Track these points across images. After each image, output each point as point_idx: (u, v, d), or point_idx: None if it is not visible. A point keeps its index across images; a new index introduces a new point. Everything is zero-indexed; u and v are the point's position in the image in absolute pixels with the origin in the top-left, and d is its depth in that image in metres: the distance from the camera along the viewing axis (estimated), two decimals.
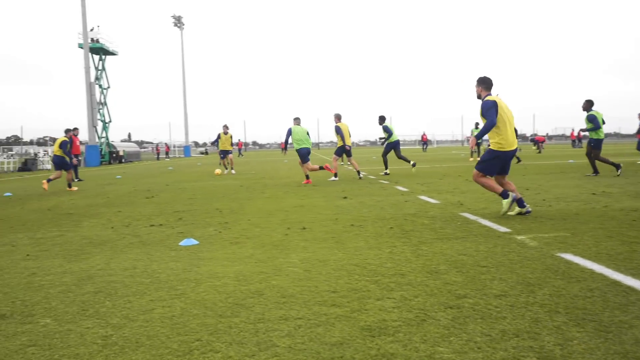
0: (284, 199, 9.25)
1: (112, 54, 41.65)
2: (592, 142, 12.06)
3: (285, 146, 46.62)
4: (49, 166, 31.71)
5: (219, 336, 2.73)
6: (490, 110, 6.21)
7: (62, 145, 13.48)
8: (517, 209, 6.33)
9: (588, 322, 2.74)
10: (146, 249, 5.16)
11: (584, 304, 3.01)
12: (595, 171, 12.00)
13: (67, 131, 14.50)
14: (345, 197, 9.13)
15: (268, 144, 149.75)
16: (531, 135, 53.78)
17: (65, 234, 6.21)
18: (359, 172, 13.82)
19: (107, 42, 40.36)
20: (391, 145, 14.92)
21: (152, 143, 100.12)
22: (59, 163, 13.40)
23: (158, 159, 51.87)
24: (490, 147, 6.37)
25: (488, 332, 2.65)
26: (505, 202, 6.20)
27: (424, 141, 50.81)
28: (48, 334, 2.86)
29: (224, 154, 19.49)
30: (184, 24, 63.41)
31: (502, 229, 5.49)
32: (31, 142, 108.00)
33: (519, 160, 19.35)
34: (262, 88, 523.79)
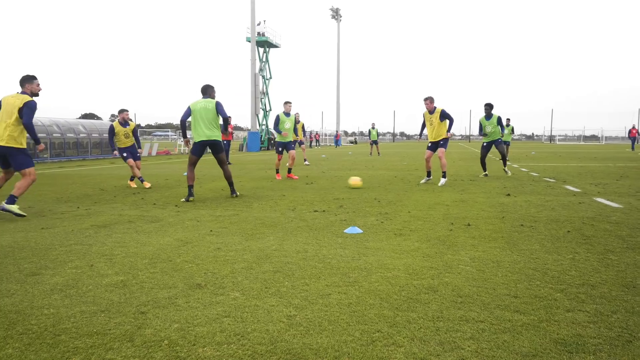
0: (441, 193, 8.99)
1: (275, 46, 44.16)
2: None
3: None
4: None
5: (399, 330, 2.70)
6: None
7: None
8: None
9: None
10: (313, 233, 5.34)
11: None
12: None
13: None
14: (508, 195, 8.59)
15: (416, 135, 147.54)
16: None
17: (240, 214, 6.70)
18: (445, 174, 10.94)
19: (271, 36, 42.89)
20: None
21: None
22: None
23: (310, 146, 53.98)
24: None
25: None
26: None
27: (633, 137, 35.76)
28: (239, 307, 3.07)
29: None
30: (341, 16, 64.93)
31: None
32: None
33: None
34: (410, 79, 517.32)
